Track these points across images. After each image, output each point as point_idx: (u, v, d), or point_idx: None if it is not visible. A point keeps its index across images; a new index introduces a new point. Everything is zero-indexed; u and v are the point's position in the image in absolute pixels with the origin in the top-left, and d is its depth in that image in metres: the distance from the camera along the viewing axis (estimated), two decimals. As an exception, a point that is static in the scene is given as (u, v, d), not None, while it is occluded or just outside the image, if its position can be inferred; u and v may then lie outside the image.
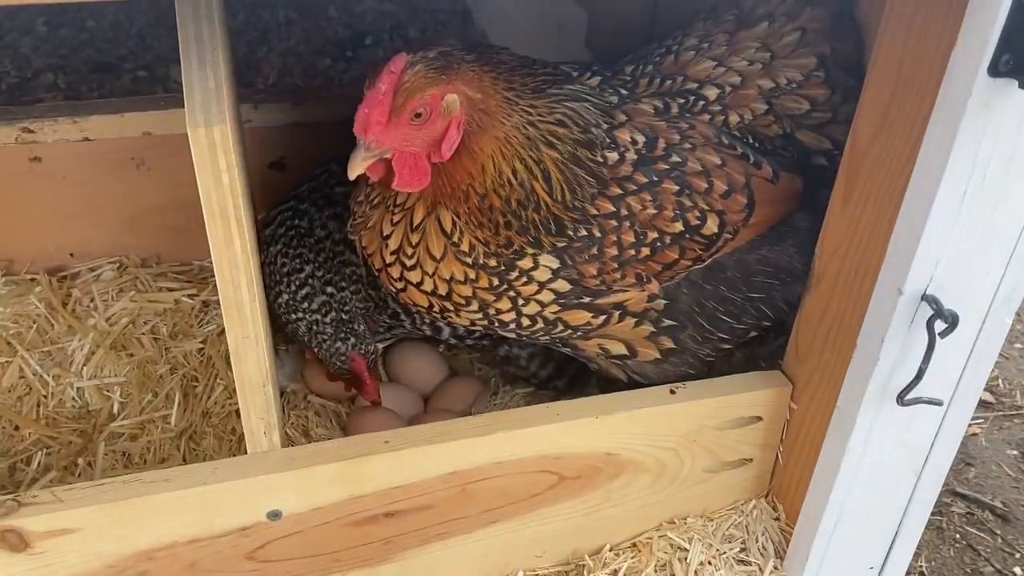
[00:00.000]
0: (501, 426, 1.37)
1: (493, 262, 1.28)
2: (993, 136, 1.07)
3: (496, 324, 1.34)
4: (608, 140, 1.27)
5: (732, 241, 1.36)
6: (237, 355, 1.22)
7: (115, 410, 1.72)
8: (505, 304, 1.31)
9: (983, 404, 2.31)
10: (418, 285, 1.31)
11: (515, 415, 1.40)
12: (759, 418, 1.49)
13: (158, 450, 1.64)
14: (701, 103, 1.35)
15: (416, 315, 1.63)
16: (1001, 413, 2.30)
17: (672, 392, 1.44)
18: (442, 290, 1.30)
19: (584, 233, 1.28)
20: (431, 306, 1.34)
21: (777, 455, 1.55)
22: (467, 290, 1.30)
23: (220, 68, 1.09)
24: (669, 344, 1.40)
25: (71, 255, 1.95)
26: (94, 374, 1.77)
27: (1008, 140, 1.08)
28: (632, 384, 1.51)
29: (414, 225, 1.29)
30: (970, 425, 2.24)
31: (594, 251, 1.29)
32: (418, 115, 1.17)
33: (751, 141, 1.37)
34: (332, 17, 3.28)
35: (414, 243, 1.29)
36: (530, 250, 1.27)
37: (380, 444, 1.34)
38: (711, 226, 1.33)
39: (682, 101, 1.35)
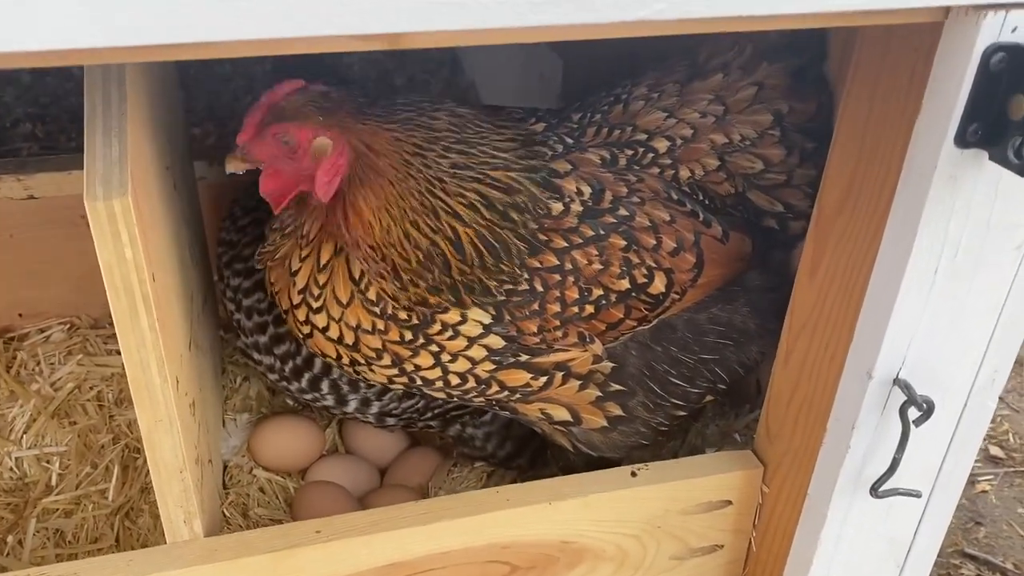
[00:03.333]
0: (444, 514, 1.27)
1: (404, 315, 1.20)
2: (964, 211, 0.98)
3: (419, 382, 1.25)
4: (546, 199, 1.19)
5: (679, 302, 1.28)
6: (150, 441, 1.13)
7: (52, 482, 1.63)
8: (426, 360, 1.22)
9: (992, 460, 2.20)
10: (324, 331, 1.23)
11: (459, 501, 1.29)
12: (729, 502, 1.38)
13: (92, 529, 1.55)
14: (651, 155, 1.27)
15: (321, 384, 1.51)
16: (1012, 469, 2.18)
17: (633, 475, 1.34)
18: (348, 339, 1.22)
19: (525, 287, 1.20)
20: (339, 356, 1.25)
21: (750, 541, 1.44)
22: (375, 342, 1.21)
23: (127, 136, 1.01)
24: (617, 411, 1.31)
25: (20, 315, 1.87)
26: (34, 443, 1.68)
27: (980, 215, 0.99)
28: (580, 454, 1.41)
29: (321, 264, 1.21)
30: (979, 482, 2.13)
31: (535, 307, 1.21)
32: (287, 143, 1.15)
33: (701, 198, 1.30)
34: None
35: (321, 283, 1.21)
36: (459, 306, 1.19)
37: (311, 535, 1.23)
38: (658, 285, 1.25)
39: (631, 153, 1.27)
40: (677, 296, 1.27)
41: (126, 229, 0.98)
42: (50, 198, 1.74)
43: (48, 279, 1.84)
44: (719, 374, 1.34)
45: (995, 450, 2.22)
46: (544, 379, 1.25)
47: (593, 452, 1.37)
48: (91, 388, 1.77)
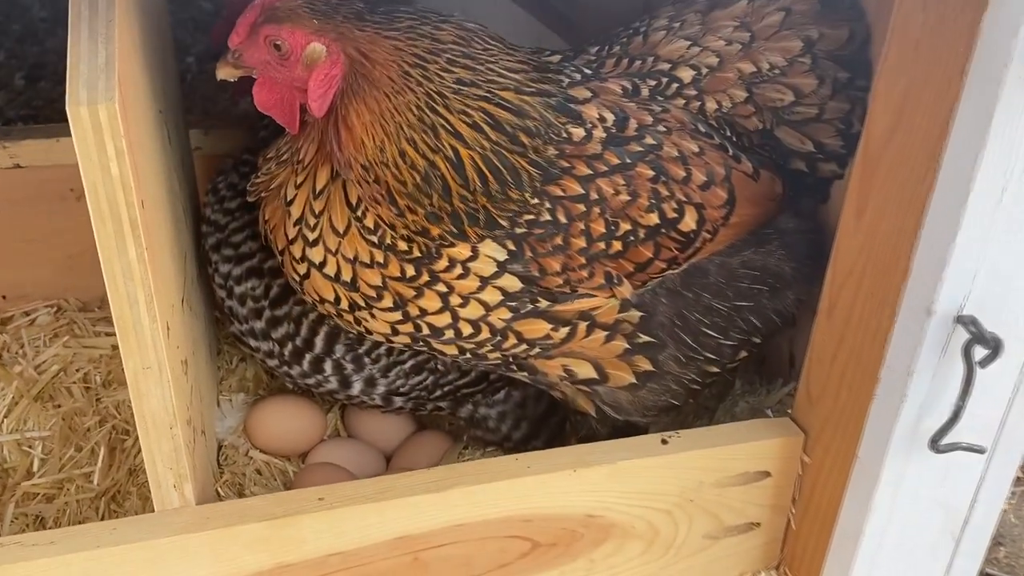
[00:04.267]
0: (459, 480, 1.16)
1: (403, 245, 1.10)
2: (1038, 115, 0.89)
3: (426, 331, 1.14)
4: (565, 124, 1.11)
5: (711, 242, 1.19)
6: (136, 389, 1.02)
7: (34, 467, 1.51)
8: (432, 302, 1.12)
9: (1010, 478, 2.08)
10: (321, 267, 1.12)
11: (475, 468, 1.19)
12: (767, 473, 1.28)
13: (75, 513, 1.43)
14: (675, 86, 1.19)
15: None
16: (1030, 487, 2.06)
17: (664, 442, 1.23)
18: (346, 274, 1.11)
19: (547, 218, 1.10)
20: (338, 299, 1.14)
21: (789, 518, 1.32)
22: (375, 277, 1.11)
23: (114, 43, 0.92)
24: (646, 365, 1.20)
25: (3, 297, 1.77)
26: (15, 427, 1.57)
27: (1056, 120, 0.90)
28: (604, 421, 1.30)
29: (317, 190, 1.11)
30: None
31: (558, 241, 1.11)
32: (277, 46, 1.07)
33: (728, 134, 1.21)
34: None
35: (317, 212, 1.11)
36: (463, 238, 1.08)
37: (313, 502, 1.12)
38: (688, 221, 1.15)
39: (653, 83, 1.19)
40: (708, 236, 1.17)
41: (112, 141, 0.89)
42: (38, 168, 1.65)
43: (33, 259, 1.74)
44: (754, 324, 1.23)
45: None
46: (566, 330, 1.15)
47: (619, 415, 1.26)
48: (77, 370, 1.66)
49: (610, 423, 1.29)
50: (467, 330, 1.13)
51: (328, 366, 1.39)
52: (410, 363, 1.38)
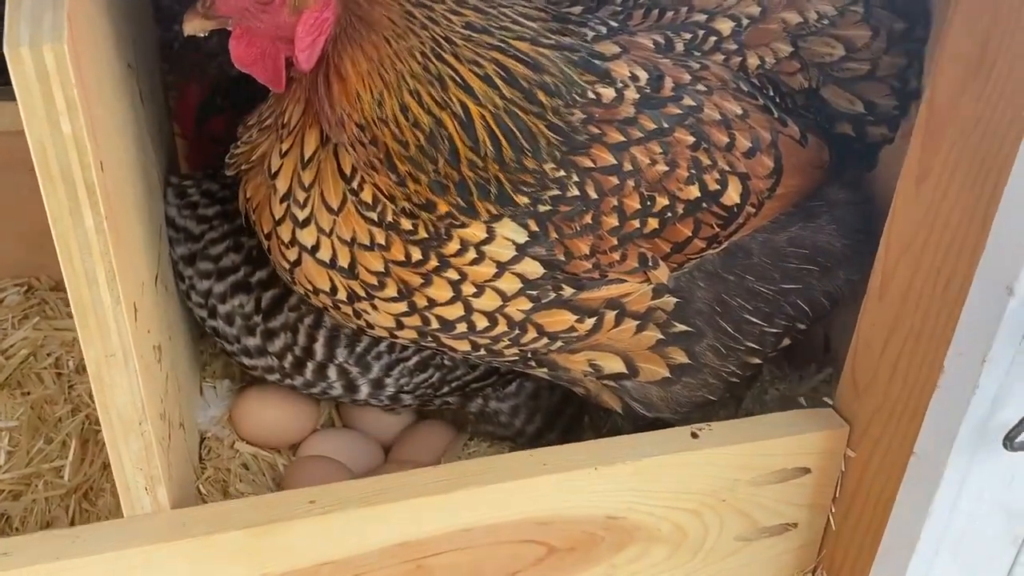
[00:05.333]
0: (468, 481, 1.04)
1: (407, 224, 0.96)
2: None
3: (435, 326, 1.01)
4: (590, 83, 0.97)
5: (755, 217, 1.06)
6: (99, 380, 0.90)
7: (0, 460, 1.38)
8: (442, 291, 0.98)
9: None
10: (314, 252, 0.99)
11: (485, 466, 1.06)
12: (806, 470, 1.15)
13: (43, 512, 1.30)
14: (713, 39, 1.05)
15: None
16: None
17: (694, 435, 1.11)
18: (343, 259, 0.98)
19: (575, 193, 0.97)
20: (334, 290, 1.01)
21: (828, 518, 1.20)
22: (376, 262, 0.97)
23: (65, -26, 0.78)
24: (682, 358, 1.08)
25: (-31, 276, 1.63)
26: (-20, 418, 1.44)
27: None
28: (629, 416, 1.18)
29: (305, 159, 0.97)
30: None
31: (588, 219, 0.97)
32: None
33: (771, 94, 1.08)
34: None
35: (306, 184, 0.98)
36: (473, 214, 0.95)
37: (303, 505, 1.00)
38: (732, 194, 1.03)
39: (689, 36, 1.05)
40: (753, 210, 1.04)
41: (61, 89, 0.76)
42: (4, 134, 1.50)
43: (2, 234, 1.60)
44: (801, 308, 1.11)
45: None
46: (593, 321, 1.02)
47: (649, 412, 1.14)
48: (48, 355, 1.53)
49: (635, 420, 1.16)
50: (482, 323, 1.00)
51: (332, 372, 1.26)
52: (414, 360, 1.26)
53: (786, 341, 1.15)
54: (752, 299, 1.08)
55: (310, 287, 1.03)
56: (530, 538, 1.09)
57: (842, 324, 1.20)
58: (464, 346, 1.04)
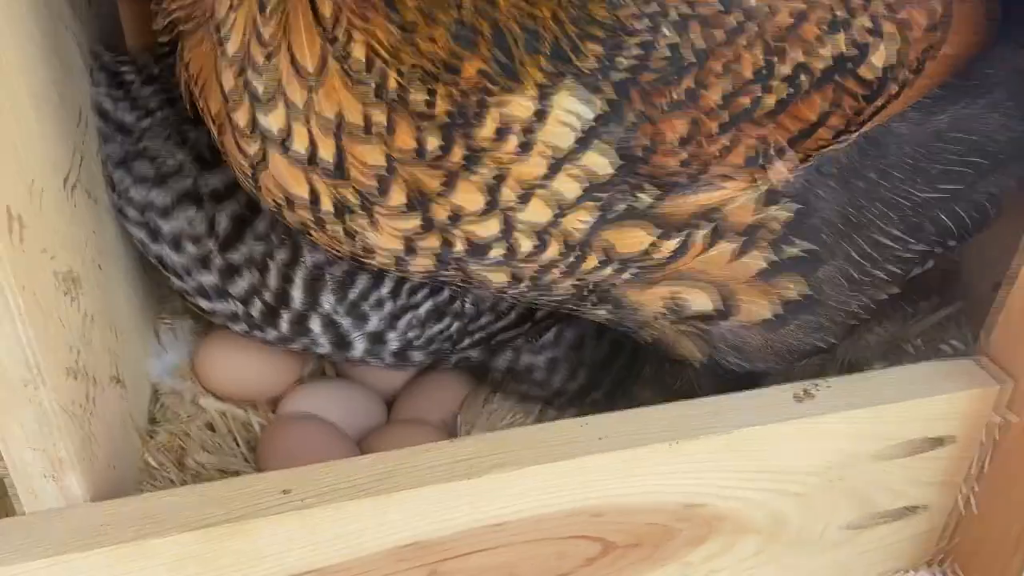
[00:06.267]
0: (498, 459, 0.76)
1: (419, 96, 0.65)
2: None
3: (461, 250, 0.72)
4: None
5: (910, 89, 0.76)
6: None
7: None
8: (471, 198, 0.68)
9: None
10: (284, 144, 0.69)
11: (522, 439, 0.78)
12: (944, 440, 0.87)
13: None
14: None
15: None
16: None
17: (801, 396, 0.82)
18: (326, 152, 0.67)
19: (667, 54, 0.66)
20: (315, 198, 0.71)
21: (958, 498, 0.93)
22: (375, 155, 0.67)
23: None
24: (797, 290, 0.79)
25: None
26: None
27: None
28: (715, 372, 0.89)
29: (266, 2, 0.66)
30: None
31: (684, 89, 0.67)
32: None
33: None
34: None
35: (267, 40, 0.67)
36: (514, 77, 0.65)
37: (273, 496, 0.72)
38: (880, 54, 0.72)
39: None
40: (908, 77, 0.74)
41: None
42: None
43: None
44: (960, 218, 0.82)
45: None
46: (679, 240, 0.72)
47: (743, 363, 0.85)
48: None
49: (720, 375, 0.87)
50: (527, 245, 0.71)
51: (316, 324, 0.97)
52: (426, 306, 0.97)
53: (928, 264, 0.85)
54: (894, 207, 0.78)
55: (280, 197, 0.73)
56: (581, 533, 0.81)
57: (978, 243, 0.90)
58: (500, 278, 0.74)
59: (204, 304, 0.98)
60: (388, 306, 0.97)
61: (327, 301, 0.95)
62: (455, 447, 0.78)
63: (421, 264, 0.73)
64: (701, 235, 0.73)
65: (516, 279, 0.74)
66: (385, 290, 0.96)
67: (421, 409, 1.16)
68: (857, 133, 0.75)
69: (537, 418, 1.16)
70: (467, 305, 0.99)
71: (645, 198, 0.69)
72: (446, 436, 1.13)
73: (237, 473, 1.02)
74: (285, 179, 0.71)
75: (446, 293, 0.97)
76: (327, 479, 0.74)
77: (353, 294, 0.95)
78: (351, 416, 1.13)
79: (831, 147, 0.74)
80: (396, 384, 1.19)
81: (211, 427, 1.08)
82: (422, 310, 0.97)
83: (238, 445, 1.08)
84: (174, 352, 1.14)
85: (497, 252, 0.71)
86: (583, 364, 1.07)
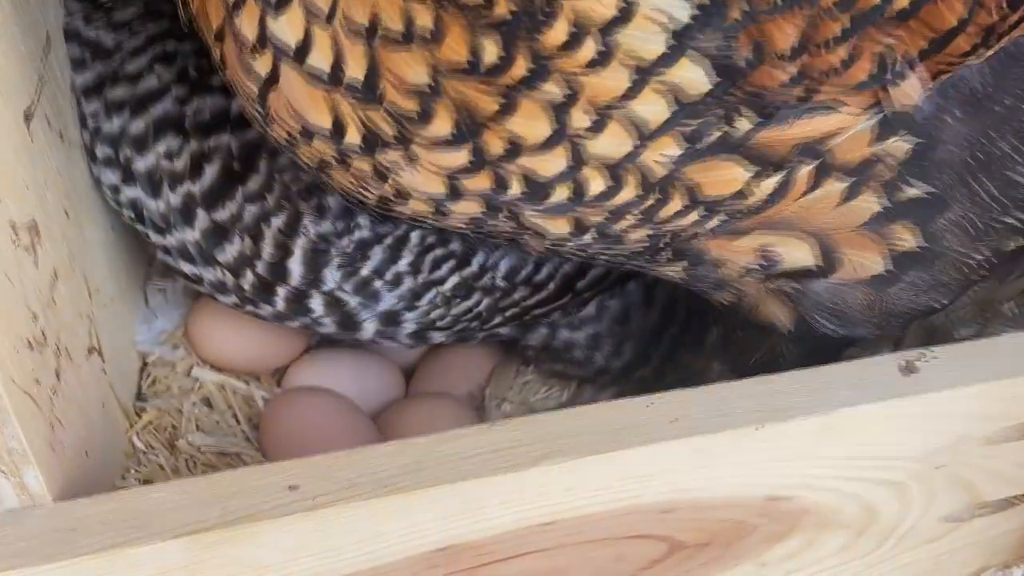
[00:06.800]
0: (546, 446, 0.63)
1: None
2: None
3: (518, 192, 0.59)
4: None
5: None
6: None
7: None
8: (535, 124, 0.55)
9: None
10: (301, 55, 0.55)
11: (576, 422, 0.65)
12: (1070, 419, 0.74)
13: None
14: None
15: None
16: None
17: (908, 369, 0.69)
18: (355, 66, 0.54)
19: None
20: (339, 129, 0.57)
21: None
22: (416, 68, 0.54)
23: None
24: (911, 241, 0.66)
25: None
26: None
27: None
28: (806, 338, 0.76)
29: None
30: None
31: None
32: None
33: None
34: None
35: None
36: None
37: (279, 493, 0.60)
38: None
39: None
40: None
41: None
42: None
43: None
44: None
45: None
46: (778, 179, 0.59)
47: (840, 328, 0.72)
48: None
49: (812, 341, 0.74)
50: (596, 184, 0.57)
51: (317, 303, 0.84)
52: (452, 281, 0.84)
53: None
54: (1034, 139, 0.64)
55: (295, 127, 0.59)
56: (644, 532, 0.69)
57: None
58: (560, 228, 0.61)
59: (187, 268, 0.84)
60: (407, 282, 0.84)
61: (331, 277, 0.82)
62: (495, 433, 0.65)
63: (465, 211, 0.60)
64: (804, 173, 0.59)
65: (579, 228, 0.60)
66: (404, 263, 0.83)
67: (444, 381, 1.04)
68: (998, 46, 0.60)
69: (575, 391, 1.03)
70: (498, 279, 0.86)
71: (743, 124, 0.56)
72: (472, 411, 1.01)
73: (237, 455, 0.91)
74: (301, 103, 0.58)
75: (475, 266, 0.84)
76: (342, 472, 0.61)
77: (366, 270, 0.82)
78: (366, 389, 1.02)
79: (964, 63, 0.60)
80: (415, 353, 1.06)
81: (208, 403, 0.96)
82: (447, 286, 0.84)
83: (238, 423, 0.96)
84: (165, 317, 1.02)
85: (560, 194, 0.57)
86: (629, 338, 0.94)
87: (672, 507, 0.68)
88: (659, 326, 0.95)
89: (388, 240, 0.83)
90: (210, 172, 0.79)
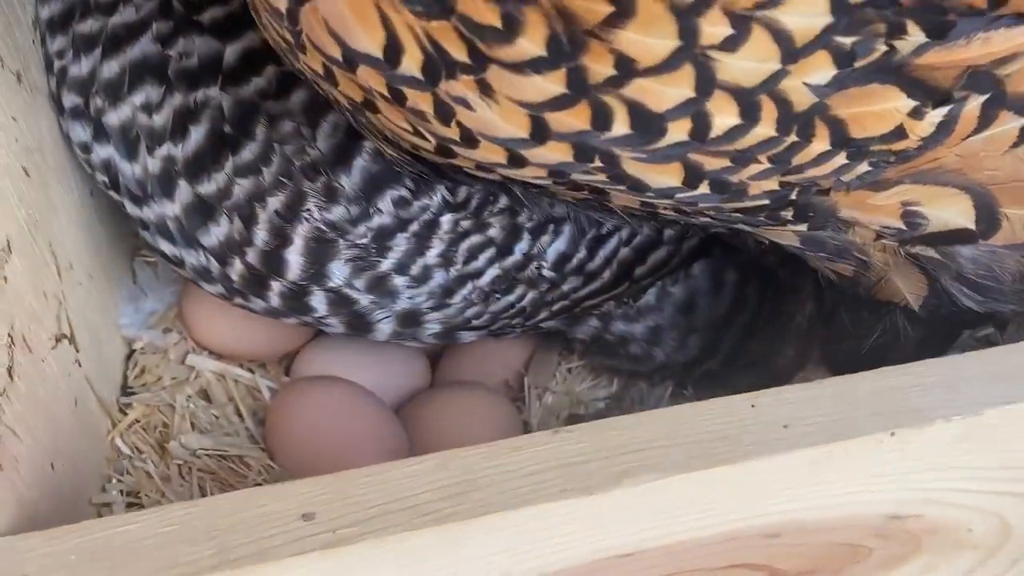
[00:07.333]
0: (627, 461, 0.51)
1: None
2: None
3: (623, 132, 0.45)
4: None
5: None
6: None
7: None
8: (655, 37, 0.42)
9: None
10: None
11: (662, 428, 0.52)
12: None
13: None
14: None
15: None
16: None
17: (1065, 359, 0.56)
18: None
19: None
20: (394, 52, 0.44)
21: None
22: None
23: None
24: None
25: None
26: None
27: None
28: (929, 317, 0.63)
29: None
30: None
31: None
32: None
33: None
34: None
35: None
36: None
37: (291, 524, 0.47)
38: None
39: None
40: None
41: None
42: None
43: None
44: None
45: None
46: (941, 115, 0.46)
47: (983, 304, 0.59)
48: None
49: (940, 320, 0.61)
50: (725, 118, 0.45)
51: (320, 301, 0.72)
52: (491, 274, 0.72)
53: None
54: None
55: (335, 52, 0.46)
56: (743, 561, 0.56)
57: None
58: (667, 179, 0.48)
59: (167, 248, 0.71)
60: (438, 277, 0.71)
61: (338, 272, 0.70)
62: (558, 443, 0.52)
63: (548, 158, 0.47)
64: (974, 107, 0.46)
65: (693, 179, 0.48)
66: (433, 254, 0.70)
67: (477, 369, 0.92)
68: None
69: (627, 380, 0.90)
70: (545, 269, 0.73)
71: (909, 41, 0.42)
72: (510, 404, 0.89)
73: (240, 459, 0.79)
74: (344, 19, 0.45)
75: (518, 254, 0.72)
76: (369, 496, 0.48)
77: (386, 264, 0.70)
78: (386, 377, 0.91)
79: None
80: (442, 336, 0.94)
81: (205, 396, 0.85)
82: (485, 279, 0.72)
83: (241, 419, 0.84)
84: (155, 296, 0.91)
85: (677, 133, 0.44)
86: (695, 330, 0.82)
87: (779, 531, 0.55)
88: (731, 312, 0.82)
89: (414, 226, 0.69)
90: (196, 134, 0.66)
